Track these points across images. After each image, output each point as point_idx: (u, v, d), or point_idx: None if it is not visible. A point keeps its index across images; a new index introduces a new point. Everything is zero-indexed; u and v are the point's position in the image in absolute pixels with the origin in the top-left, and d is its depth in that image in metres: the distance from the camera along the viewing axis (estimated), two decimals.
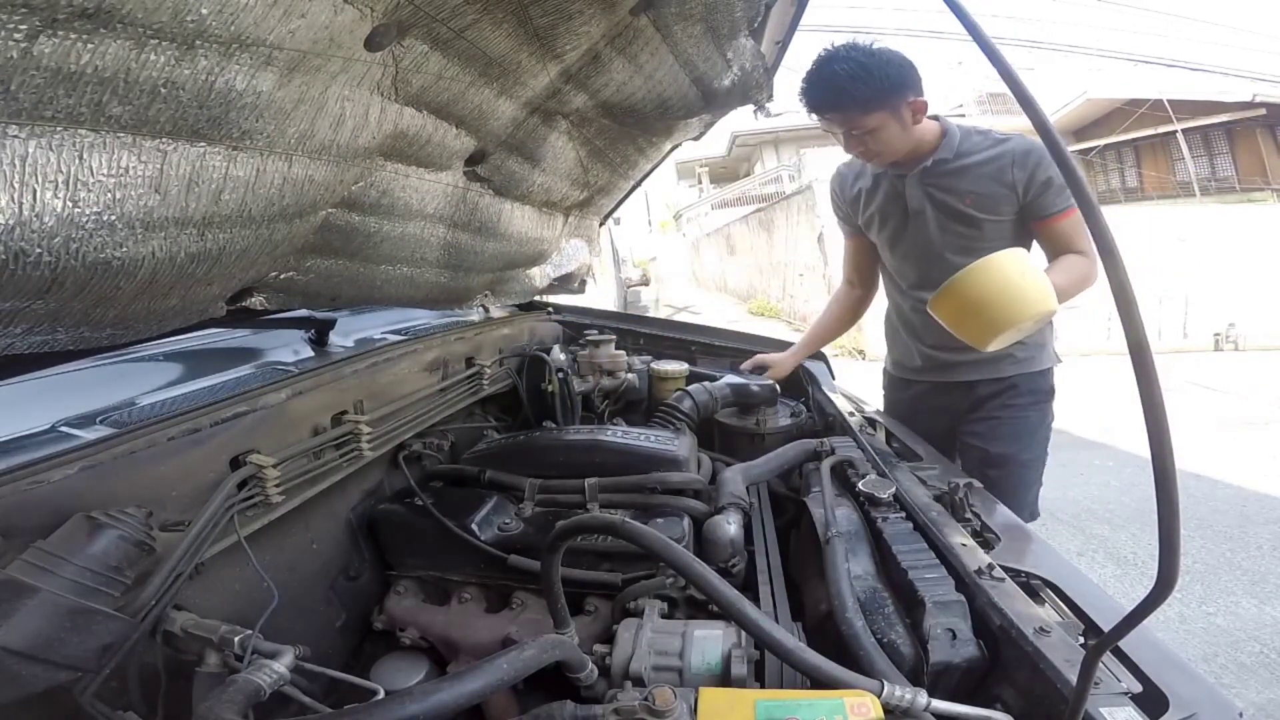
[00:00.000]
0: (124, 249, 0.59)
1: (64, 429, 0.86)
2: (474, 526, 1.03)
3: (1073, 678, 0.56)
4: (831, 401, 1.49)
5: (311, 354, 1.29)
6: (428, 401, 1.26)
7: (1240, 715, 0.56)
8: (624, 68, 1.03)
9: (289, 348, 1.30)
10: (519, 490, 1.14)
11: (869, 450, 1.17)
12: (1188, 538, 2.89)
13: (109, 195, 0.55)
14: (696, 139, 1.62)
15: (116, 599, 0.60)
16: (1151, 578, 0.39)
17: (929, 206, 1.45)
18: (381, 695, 0.59)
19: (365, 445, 1.03)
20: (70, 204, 0.52)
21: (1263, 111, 11.35)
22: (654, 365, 1.77)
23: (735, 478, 1.08)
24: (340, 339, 1.36)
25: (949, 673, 0.67)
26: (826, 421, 1.48)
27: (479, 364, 1.49)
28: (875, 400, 1.66)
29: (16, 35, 0.42)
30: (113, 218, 0.56)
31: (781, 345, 1.87)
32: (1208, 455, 3.94)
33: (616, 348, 1.77)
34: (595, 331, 1.84)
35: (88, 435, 0.81)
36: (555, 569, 0.74)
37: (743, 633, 0.73)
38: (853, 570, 0.84)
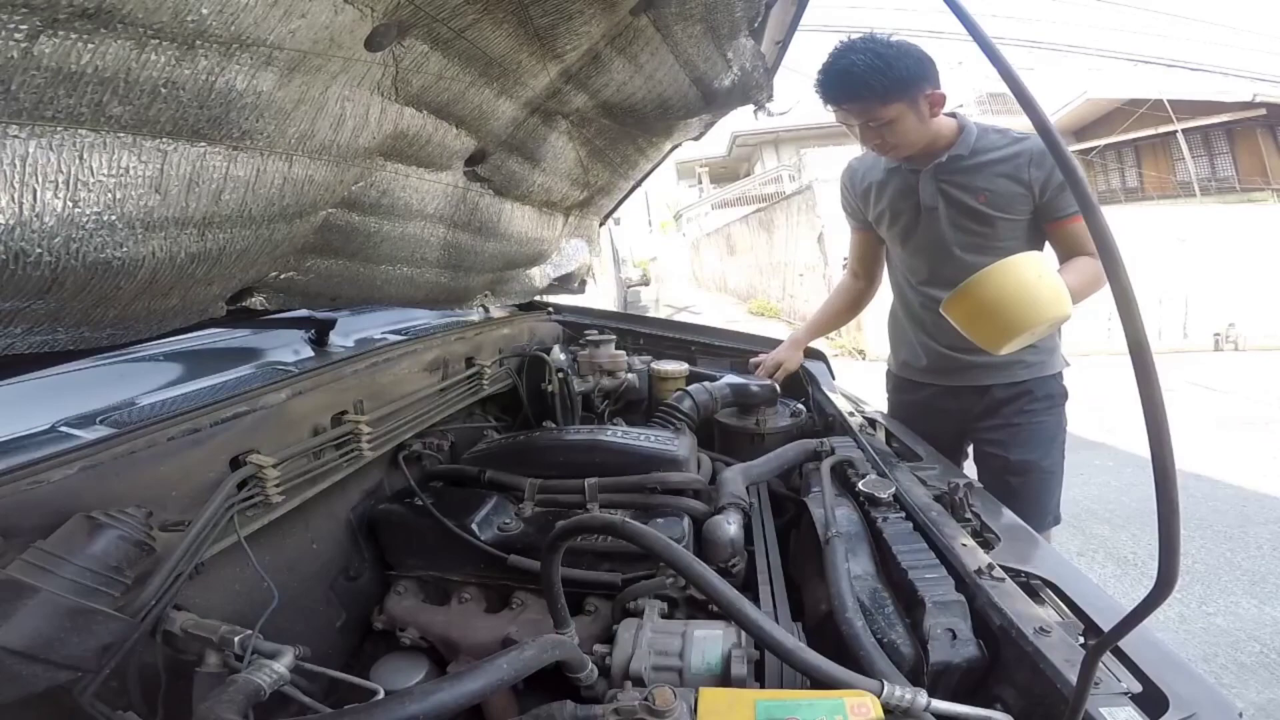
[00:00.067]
0: (124, 249, 0.59)
1: (64, 429, 0.86)
2: (474, 526, 1.03)
3: (1073, 678, 0.56)
4: (831, 401, 1.49)
5: (311, 354, 1.29)
6: (428, 401, 1.26)
7: (1240, 715, 0.56)
8: (624, 68, 1.03)
9: (289, 348, 1.30)
10: (519, 490, 1.14)
11: (869, 450, 1.17)
12: (1188, 538, 2.89)
13: (109, 195, 0.55)
14: (696, 139, 1.62)
15: (116, 599, 0.60)
16: (1151, 578, 0.39)
17: (942, 202, 1.44)
18: (381, 695, 0.59)
19: (365, 445, 1.03)
20: (70, 204, 0.52)
21: (1263, 111, 11.34)
22: (654, 365, 1.77)
23: (735, 478, 1.08)
24: (340, 339, 1.36)
25: (949, 673, 0.67)
26: (826, 421, 1.48)
27: (479, 364, 1.49)
28: (876, 400, 1.66)
29: (17, 35, 0.42)
30: (113, 218, 0.56)
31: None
32: (1208, 455, 3.94)
33: (616, 348, 1.77)
34: (595, 331, 1.84)
35: (88, 435, 0.81)
36: (555, 569, 0.74)
37: (743, 633, 0.73)
38: (853, 570, 0.84)
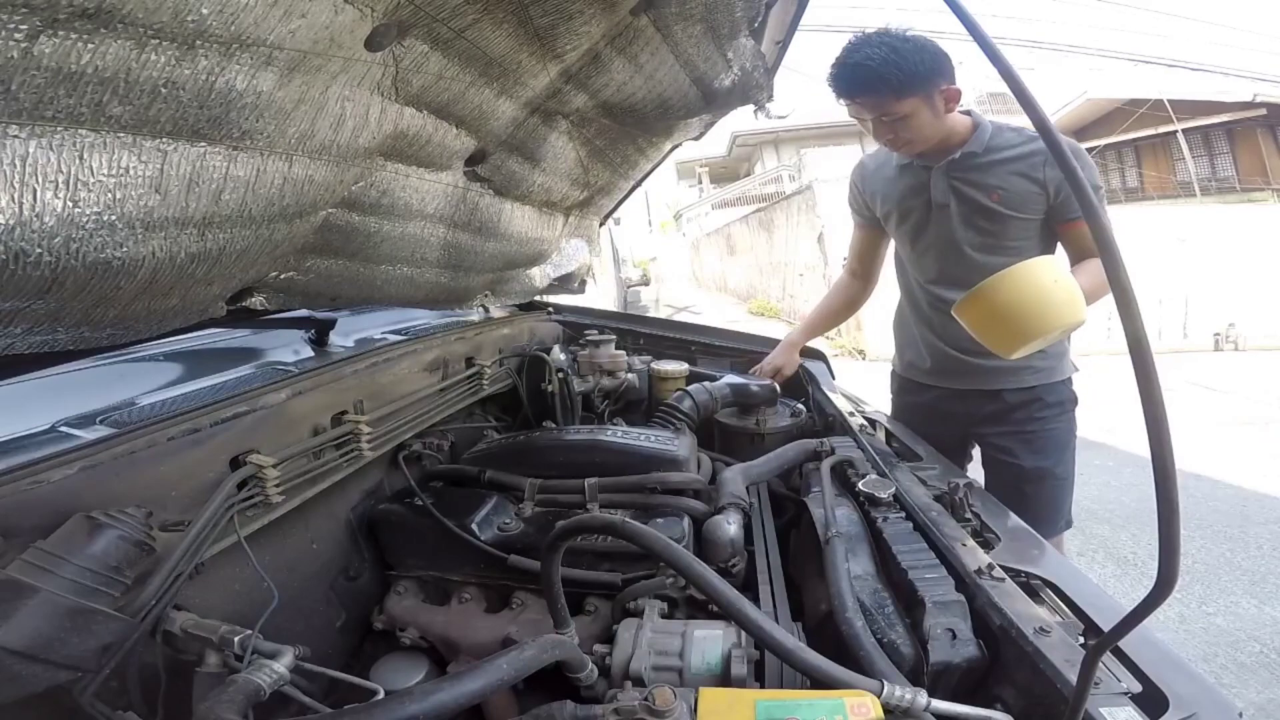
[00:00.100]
0: (124, 249, 0.59)
1: (64, 429, 0.86)
2: (474, 526, 1.03)
3: (1073, 678, 0.56)
4: (831, 401, 1.49)
5: (311, 354, 1.29)
6: (428, 401, 1.26)
7: (1240, 715, 0.56)
8: (624, 68, 1.03)
9: (289, 348, 1.30)
10: (519, 490, 1.14)
11: (869, 450, 1.17)
12: (1188, 538, 2.89)
13: (109, 195, 0.55)
14: (696, 139, 1.62)
15: (116, 599, 0.60)
16: (1151, 578, 0.39)
17: (954, 200, 1.42)
18: (381, 695, 0.59)
19: (365, 445, 1.03)
20: (70, 204, 0.52)
21: (1263, 111, 11.34)
22: (654, 365, 1.77)
23: (735, 478, 1.08)
24: (340, 339, 1.36)
25: (949, 673, 0.67)
26: (826, 421, 1.48)
27: (479, 364, 1.49)
28: (876, 401, 1.65)
29: (17, 35, 0.42)
30: (113, 218, 0.56)
31: None
32: (1208, 455, 3.94)
33: (616, 348, 1.77)
34: (595, 331, 1.84)
35: (88, 435, 0.81)
36: (555, 569, 0.74)
37: (743, 633, 0.73)
38: (853, 570, 0.84)
